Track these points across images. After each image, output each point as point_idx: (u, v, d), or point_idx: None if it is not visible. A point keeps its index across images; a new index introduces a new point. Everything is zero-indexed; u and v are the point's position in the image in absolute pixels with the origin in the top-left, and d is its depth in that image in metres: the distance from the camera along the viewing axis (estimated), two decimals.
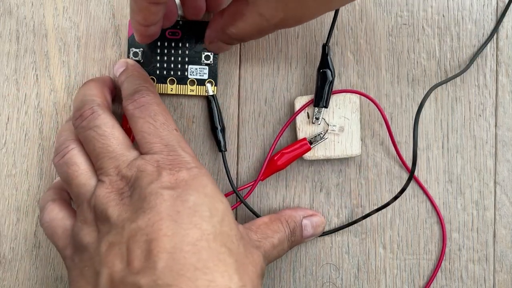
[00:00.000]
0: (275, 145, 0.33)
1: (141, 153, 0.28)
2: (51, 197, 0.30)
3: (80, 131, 0.28)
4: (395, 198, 0.31)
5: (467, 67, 0.34)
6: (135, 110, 0.28)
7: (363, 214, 0.34)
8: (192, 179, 0.26)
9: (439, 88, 0.34)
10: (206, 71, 0.34)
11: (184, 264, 0.23)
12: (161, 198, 0.25)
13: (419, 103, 0.34)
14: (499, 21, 0.34)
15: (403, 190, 0.31)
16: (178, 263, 0.23)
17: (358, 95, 0.33)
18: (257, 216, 0.33)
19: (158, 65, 0.34)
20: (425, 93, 0.32)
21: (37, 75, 0.34)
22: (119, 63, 0.32)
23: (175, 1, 0.32)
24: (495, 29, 0.34)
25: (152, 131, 0.28)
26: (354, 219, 0.34)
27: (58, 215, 0.29)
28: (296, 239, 0.31)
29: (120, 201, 0.26)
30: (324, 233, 0.34)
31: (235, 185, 0.34)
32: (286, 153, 0.33)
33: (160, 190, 0.25)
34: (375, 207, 0.33)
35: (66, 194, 0.31)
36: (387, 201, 0.31)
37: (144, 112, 0.28)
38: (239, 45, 0.35)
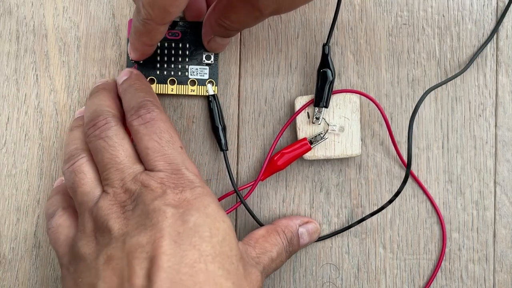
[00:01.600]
0: (275, 145, 0.33)
1: (146, 169, 0.28)
2: (62, 204, 0.30)
3: (92, 139, 0.28)
4: (390, 201, 0.31)
5: (467, 67, 0.34)
6: (140, 126, 0.28)
7: (363, 215, 0.34)
8: (194, 198, 0.26)
9: (439, 88, 0.34)
10: (207, 71, 0.34)
11: (181, 286, 0.23)
12: (164, 215, 0.25)
13: None
14: (499, 21, 0.34)
15: (397, 193, 0.31)
16: (175, 285, 0.23)
17: (358, 95, 0.33)
18: (255, 218, 0.33)
19: (158, 65, 0.34)
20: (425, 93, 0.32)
21: (37, 75, 0.34)
22: (124, 72, 0.32)
23: None
24: (495, 29, 0.34)
25: (157, 149, 0.27)
26: (354, 219, 0.34)
27: (65, 222, 0.28)
28: (293, 249, 0.31)
29: (121, 214, 0.26)
30: (322, 238, 0.34)
31: (236, 185, 0.34)
32: (286, 153, 0.33)
33: (163, 207, 0.25)
34: (375, 207, 0.33)
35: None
36: (387, 201, 0.31)
37: (149, 129, 0.28)
38: (239, 45, 0.35)
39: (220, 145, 0.33)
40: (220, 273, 0.24)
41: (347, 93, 0.33)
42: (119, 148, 0.28)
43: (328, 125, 0.33)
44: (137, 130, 0.28)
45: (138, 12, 0.27)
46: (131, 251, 0.24)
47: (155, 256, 0.23)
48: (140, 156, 0.28)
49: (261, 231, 0.31)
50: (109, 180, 0.27)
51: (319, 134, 0.33)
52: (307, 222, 0.33)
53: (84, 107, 0.31)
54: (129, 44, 0.31)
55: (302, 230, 0.32)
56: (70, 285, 0.26)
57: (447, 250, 0.34)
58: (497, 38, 0.35)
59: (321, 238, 0.34)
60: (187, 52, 0.34)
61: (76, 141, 0.30)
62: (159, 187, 0.26)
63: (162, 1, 0.25)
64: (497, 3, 0.35)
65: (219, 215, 0.26)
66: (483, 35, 0.35)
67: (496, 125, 0.34)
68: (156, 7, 0.26)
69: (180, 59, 0.34)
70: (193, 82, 0.34)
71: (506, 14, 0.34)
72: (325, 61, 0.32)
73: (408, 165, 0.30)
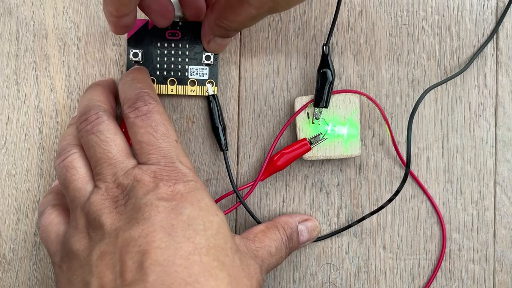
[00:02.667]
0: (275, 145, 0.33)
1: (139, 163, 0.27)
2: (52, 202, 0.30)
3: (83, 134, 0.28)
4: (390, 200, 0.31)
5: (467, 67, 0.34)
6: (137, 119, 0.28)
7: (363, 215, 0.34)
8: (188, 192, 0.26)
9: (439, 88, 0.34)
10: (207, 71, 0.34)
11: (176, 278, 0.23)
12: (156, 210, 0.25)
13: None
14: (499, 21, 0.34)
15: (397, 192, 0.31)
16: (170, 277, 0.23)
17: (358, 95, 0.33)
18: (255, 218, 0.33)
19: (158, 66, 0.34)
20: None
21: (37, 75, 0.34)
22: (129, 70, 0.32)
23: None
24: (495, 29, 0.34)
25: (152, 141, 0.27)
26: (354, 219, 0.34)
27: (54, 220, 0.28)
28: (293, 245, 0.31)
29: (114, 209, 0.26)
30: (322, 237, 0.34)
31: (235, 185, 0.34)
32: (286, 153, 0.33)
33: (155, 202, 0.25)
34: (375, 207, 0.33)
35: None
36: (387, 200, 0.31)
37: (145, 122, 0.28)
38: (239, 45, 0.35)
39: (220, 145, 0.33)
40: (215, 264, 0.24)
41: (347, 93, 0.33)
42: (111, 143, 0.27)
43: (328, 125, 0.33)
44: (133, 123, 0.28)
45: None
46: (123, 246, 0.24)
47: (148, 250, 0.23)
48: (134, 149, 0.28)
49: (260, 227, 0.31)
50: (101, 175, 0.27)
51: (319, 135, 0.33)
52: (306, 220, 0.33)
53: None
54: None
55: (301, 227, 0.32)
56: (63, 283, 0.26)
57: (447, 250, 0.34)
58: (497, 38, 0.35)
59: (321, 238, 0.34)
60: (187, 53, 0.34)
61: (69, 137, 0.30)
62: (152, 181, 0.26)
63: None
64: (497, 3, 0.35)
65: (212, 209, 0.26)
66: (483, 35, 0.35)
67: (496, 125, 0.34)
68: None
69: (180, 59, 0.34)
70: (193, 83, 0.34)
71: (506, 14, 0.34)
72: (325, 61, 0.32)
73: (407, 164, 0.30)
